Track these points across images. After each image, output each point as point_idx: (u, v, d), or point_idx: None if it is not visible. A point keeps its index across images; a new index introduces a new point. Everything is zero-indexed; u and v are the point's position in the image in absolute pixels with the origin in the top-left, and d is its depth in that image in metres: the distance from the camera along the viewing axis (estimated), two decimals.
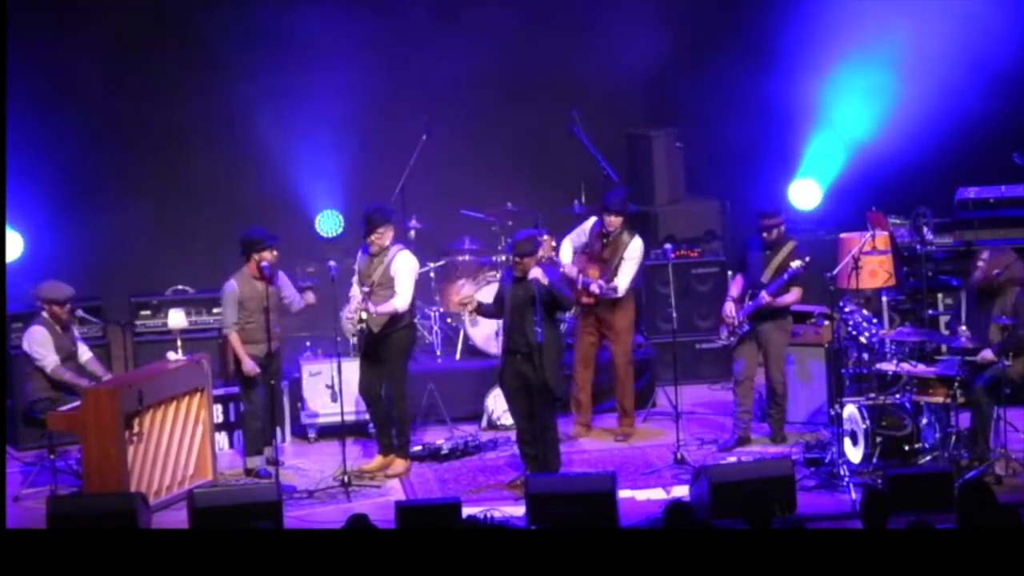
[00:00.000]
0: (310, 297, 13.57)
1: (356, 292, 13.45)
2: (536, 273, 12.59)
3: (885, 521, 9.20)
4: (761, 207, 13.94)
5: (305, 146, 16.31)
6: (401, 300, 13.25)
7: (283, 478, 12.86)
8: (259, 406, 13.43)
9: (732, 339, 13.71)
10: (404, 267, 13.34)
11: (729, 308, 13.70)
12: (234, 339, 13.33)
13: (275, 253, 13.34)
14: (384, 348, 13.34)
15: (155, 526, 12.22)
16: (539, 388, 12.61)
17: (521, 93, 16.65)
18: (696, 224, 16.25)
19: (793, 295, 13.59)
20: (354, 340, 13.58)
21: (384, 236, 13.40)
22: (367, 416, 13.83)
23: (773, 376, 13.71)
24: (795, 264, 13.46)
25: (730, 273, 13.97)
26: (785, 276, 13.48)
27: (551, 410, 12.79)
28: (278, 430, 13.98)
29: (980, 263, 13.01)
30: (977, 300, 13.06)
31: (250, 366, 13.28)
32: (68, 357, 13.37)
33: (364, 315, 13.18)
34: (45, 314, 13.35)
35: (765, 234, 13.69)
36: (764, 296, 13.50)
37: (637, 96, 17.08)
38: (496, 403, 14.53)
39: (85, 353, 13.56)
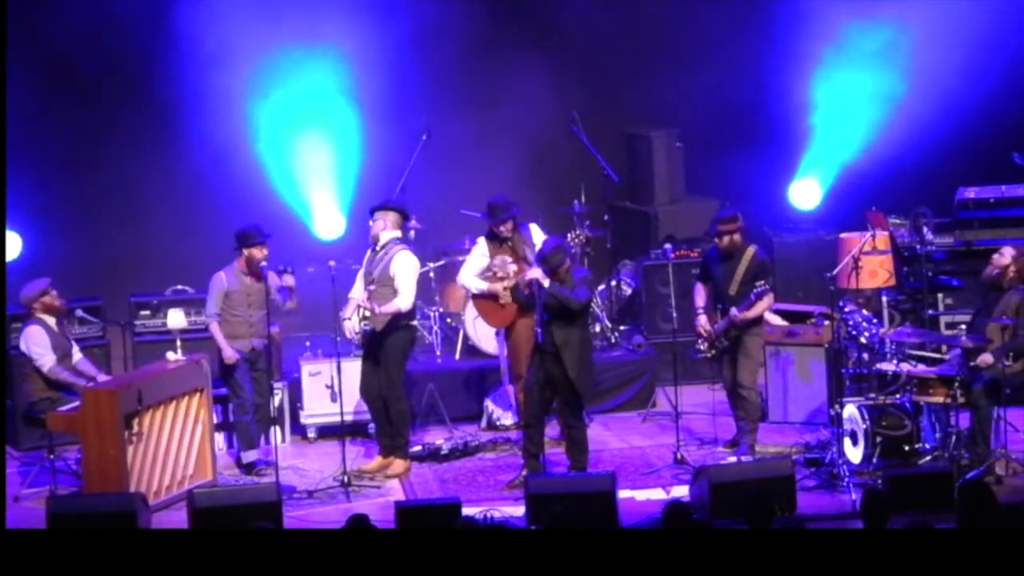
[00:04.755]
0: (290, 280, 13.46)
1: (356, 292, 13.44)
2: (536, 274, 12.61)
3: (885, 521, 9.20)
4: (720, 212, 13.72)
5: (305, 146, 16.31)
6: (404, 300, 13.24)
7: (282, 478, 12.85)
8: (246, 401, 13.43)
9: (713, 351, 13.52)
10: (404, 267, 13.32)
11: (703, 321, 13.49)
12: (214, 329, 13.35)
13: (265, 251, 13.33)
14: (382, 349, 13.32)
15: (155, 526, 12.22)
16: (564, 387, 12.63)
17: (521, 93, 16.64)
18: (696, 224, 16.23)
19: (764, 304, 13.39)
20: (356, 339, 13.53)
21: (376, 225, 13.38)
22: (367, 416, 13.83)
23: (741, 381, 13.38)
24: (759, 285, 13.19)
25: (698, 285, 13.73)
26: (752, 297, 13.27)
27: (576, 409, 12.80)
28: (277, 430, 13.99)
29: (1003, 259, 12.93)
30: (986, 295, 13.02)
31: (230, 353, 13.28)
32: (64, 356, 13.36)
33: (367, 313, 13.18)
34: (40, 313, 13.35)
35: (717, 240, 13.37)
36: (735, 314, 13.26)
37: (637, 96, 17.08)
38: (496, 403, 14.54)
39: (76, 354, 13.55)
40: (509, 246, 13.67)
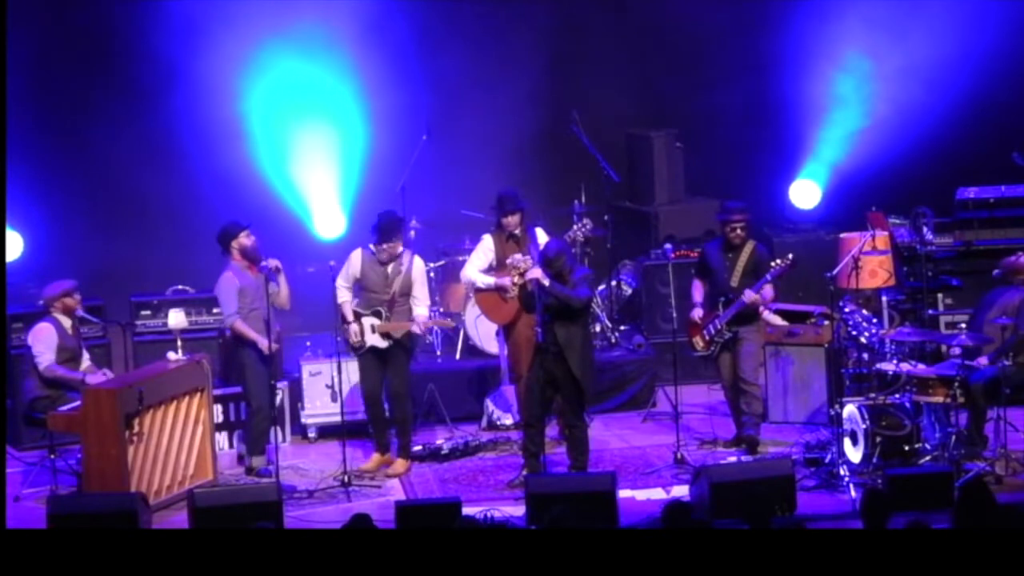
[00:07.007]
0: (274, 262, 13.29)
1: (345, 296, 13.34)
2: (536, 273, 12.61)
3: (885, 521, 9.20)
4: (729, 202, 13.80)
5: (306, 145, 16.31)
6: (426, 305, 13.47)
7: (282, 478, 12.86)
8: (265, 407, 13.37)
9: (712, 348, 13.57)
10: (420, 273, 13.47)
11: (698, 314, 13.56)
12: (241, 326, 13.17)
13: (252, 236, 13.27)
14: (393, 351, 13.33)
15: (155, 526, 12.23)
16: (568, 386, 12.64)
17: (521, 93, 16.64)
18: (696, 224, 16.25)
19: (768, 292, 13.51)
20: (365, 349, 13.42)
21: (396, 247, 13.38)
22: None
23: (744, 375, 13.47)
24: (778, 262, 13.30)
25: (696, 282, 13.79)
26: (768, 276, 13.35)
27: (578, 408, 12.81)
28: (277, 430, 13.99)
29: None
30: (992, 288, 13.06)
31: (266, 343, 13.08)
32: (70, 359, 13.33)
33: (382, 328, 13.20)
34: (58, 314, 13.32)
35: (729, 231, 13.48)
36: (748, 294, 13.35)
37: (637, 96, 17.08)
38: (496, 403, 14.54)
39: (85, 362, 13.53)
40: (515, 243, 13.68)
